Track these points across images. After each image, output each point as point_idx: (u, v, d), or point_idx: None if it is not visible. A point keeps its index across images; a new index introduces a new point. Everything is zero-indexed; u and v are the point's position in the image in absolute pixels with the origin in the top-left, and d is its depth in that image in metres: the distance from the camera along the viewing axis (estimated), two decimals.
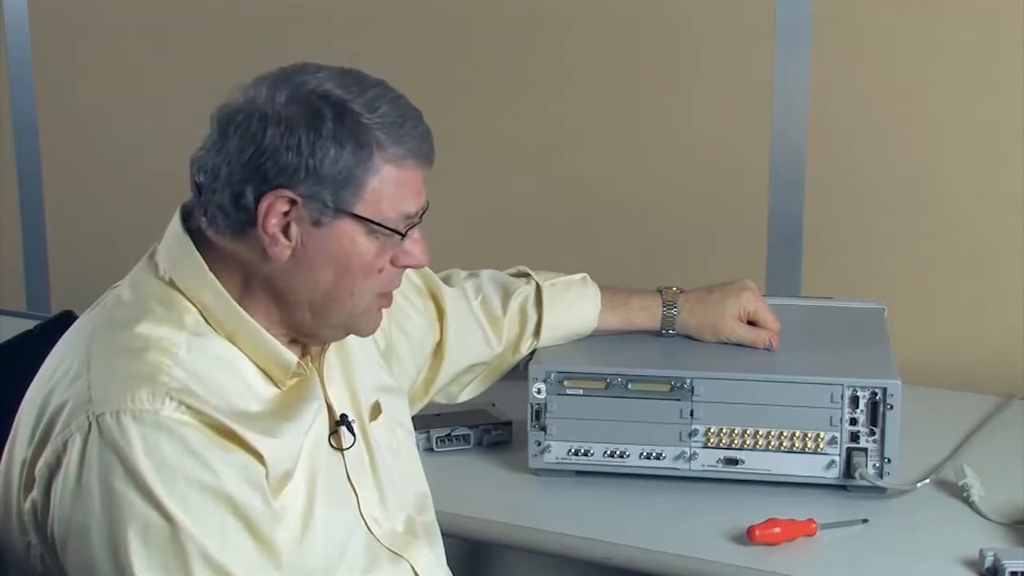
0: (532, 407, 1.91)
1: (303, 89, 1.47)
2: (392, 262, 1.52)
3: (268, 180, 1.45)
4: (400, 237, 1.50)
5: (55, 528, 1.41)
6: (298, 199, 1.46)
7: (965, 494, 1.86)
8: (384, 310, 1.58)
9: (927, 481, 1.89)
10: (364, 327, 1.57)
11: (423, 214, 1.54)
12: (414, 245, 1.53)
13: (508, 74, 2.64)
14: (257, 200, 1.45)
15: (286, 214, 1.46)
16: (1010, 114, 2.30)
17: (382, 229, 1.49)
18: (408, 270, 1.89)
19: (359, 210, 1.48)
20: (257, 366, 1.51)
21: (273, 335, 1.51)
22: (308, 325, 1.53)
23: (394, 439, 1.69)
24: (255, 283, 1.50)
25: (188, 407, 1.40)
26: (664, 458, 1.90)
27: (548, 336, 1.99)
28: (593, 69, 2.58)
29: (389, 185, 1.48)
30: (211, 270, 1.49)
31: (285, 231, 1.47)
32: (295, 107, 1.46)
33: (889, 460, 1.85)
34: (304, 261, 1.48)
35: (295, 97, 1.46)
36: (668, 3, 2.50)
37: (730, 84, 2.48)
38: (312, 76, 1.48)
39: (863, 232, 2.43)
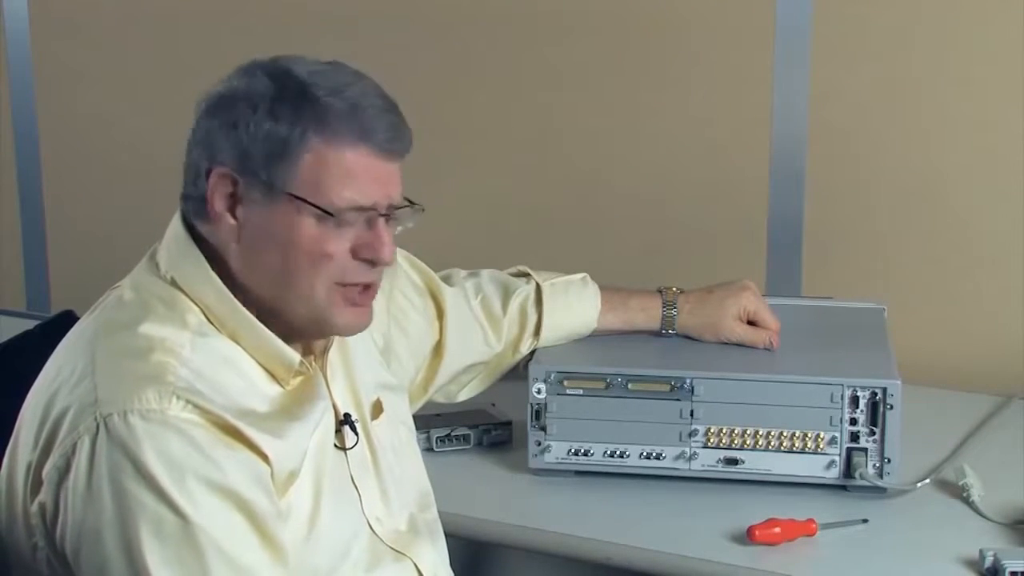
0: (532, 407, 1.91)
1: (269, 66, 1.48)
2: (353, 254, 1.49)
3: (215, 158, 1.47)
4: (332, 218, 1.46)
5: (67, 531, 1.41)
6: (238, 177, 1.46)
7: (965, 494, 1.86)
8: (370, 311, 1.54)
9: (927, 481, 1.89)
10: (335, 322, 1.52)
11: (393, 210, 1.50)
12: (376, 239, 1.49)
13: (508, 74, 2.64)
14: (207, 180, 1.47)
15: (232, 194, 1.47)
16: (1010, 114, 2.30)
17: (315, 210, 1.46)
18: (407, 269, 1.90)
19: (294, 189, 1.46)
20: (260, 365, 1.51)
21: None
22: (278, 318, 1.51)
23: (396, 437, 1.69)
24: (227, 274, 1.50)
25: (195, 406, 1.41)
26: (664, 458, 1.90)
27: (548, 336, 1.99)
28: (593, 69, 2.58)
29: (332, 168, 1.46)
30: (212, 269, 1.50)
31: (232, 211, 1.47)
32: (244, 83, 1.47)
33: (889, 460, 1.85)
34: (250, 243, 1.48)
35: (250, 73, 1.48)
36: (668, 3, 2.51)
37: (730, 84, 2.48)
38: (292, 60, 1.49)
39: (863, 232, 2.43)
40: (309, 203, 1.46)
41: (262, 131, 1.45)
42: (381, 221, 1.50)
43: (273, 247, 1.47)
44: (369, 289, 1.53)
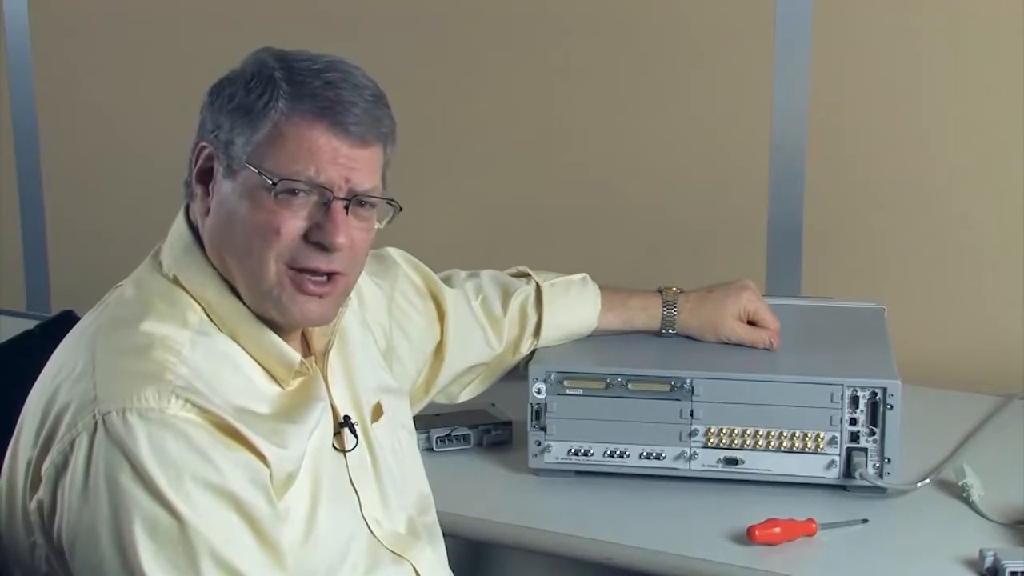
0: (532, 407, 1.91)
1: (261, 50, 1.52)
2: (306, 237, 1.47)
3: (200, 135, 1.51)
4: (274, 186, 1.45)
5: (63, 528, 1.41)
6: (213, 150, 1.49)
7: (965, 494, 1.86)
8: (329, 304, 1.51)
9: (927, 481, 1.89)
10: (291, 309, 1.49)
11: (353, 196, 1.48)
12: (328, 221, 1.47)
13: (508, 75, 2.64)
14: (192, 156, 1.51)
15: (210, 170, 1.49)
16: (1010, 114, 2.30)
17: (261, 178, 1.45)
18: (408, 271, 1.90)
19: (250, 159, 1.47)
20: (260, 365, 1.51)
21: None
22: (248, 301, 1.50)
23: (396, 440, 1.69)
24: (225, 273, 1.51)
25: (193, 405, 1.40)
26: (664, 458, 1.90)
27: (548, 336, 1.99)
28: (593, 69, 2.58)
29: (288, 140, 1.46)
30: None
31: (208, 186, 1.50)
32: (240, 67, 1.51)
33: (889, 460, 1.85)
34: (218, 216, 1.49)
35: (249, 58, 1.52)
36: (668, 3, 2.51)
37: (730, 84, 2.48)
38: (294, 50, 1.51)
39: (863, 232, 2.43)
40: (260, 171, 1.46)
41: (234, 103, 1.48)
42: (337, 205, 1.48)
43: (234, 219, 1.48)
44: (331, 280, 1.50)
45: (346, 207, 1.48)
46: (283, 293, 1.48)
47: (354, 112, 1.47)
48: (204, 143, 1.50)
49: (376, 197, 1.51)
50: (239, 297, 1.50)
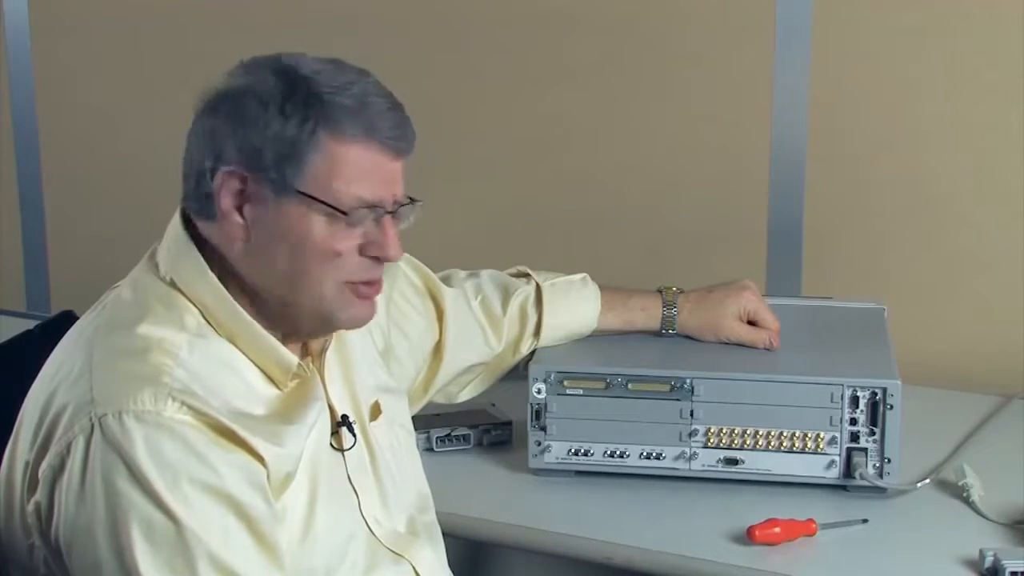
0: (532, 407, 1.91)
1: (274, 64, 1.47)
2: (360, 251, 1.49)
3: (222, 157, 1.46)
4: (344, 216, 1.46)
5: (60, 530, 1.41)
6: (247, 175, 1.45)
7: (965, 494, 1.85)
8: (374, 304, 1.54)
9: (927, 481, 1.89)
10: (342, 317, 1.52)
11: (398, 207, 1.51)
12: (383, 236, 1.49)
13: (508, 74, 2.64)
14: (213, 179, 1.46)
15: (241, 192, 1.46)
16: (1010, 114, 2.30)
17: (325, 207, 1.46)
18: (407, 271, 1.90)
19: (304, 187, 1.46)
20: (258, 367, 1.51)
21: (271, 335, 1.51)
22: (286, 317, 1.51)
23: (394, 439, 1.69)
24: (229, 275, 1.50)
25: (190, 408, 1.40)
26: (664, 458, 1.90)
27: (548, 336, 1.99)
28: (593, 69, 2.58)
29: (340, 165, 1.46)
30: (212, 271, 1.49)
31: (240, 210, 1.47)
32: (253, 80, 1.46)
33: (889, 460, 1.85)
34: (258, 242, 1.47)
35: (257, 70, 1.47)
36: (668, 3, 2.51)
37: (730, 84, 2.48)
38: (293, 57, 1.48)
39: (863, 232, 2.43)
40: (320, 201, 1.46)
41: (272, 130, 1.45)
42: (388, 218, 1.50)
43: (282, 246, 1.47)
44: (375, 284, 1.53)
45: (392, 216, 1.51)
46: (342, 306, 1.51)
47: (392, 127, 1.48)
48: (233, 170, 1.46)
49: (412, 202, 1.53)
50: (245, 299, 1.50)
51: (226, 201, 1.46)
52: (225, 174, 1.46)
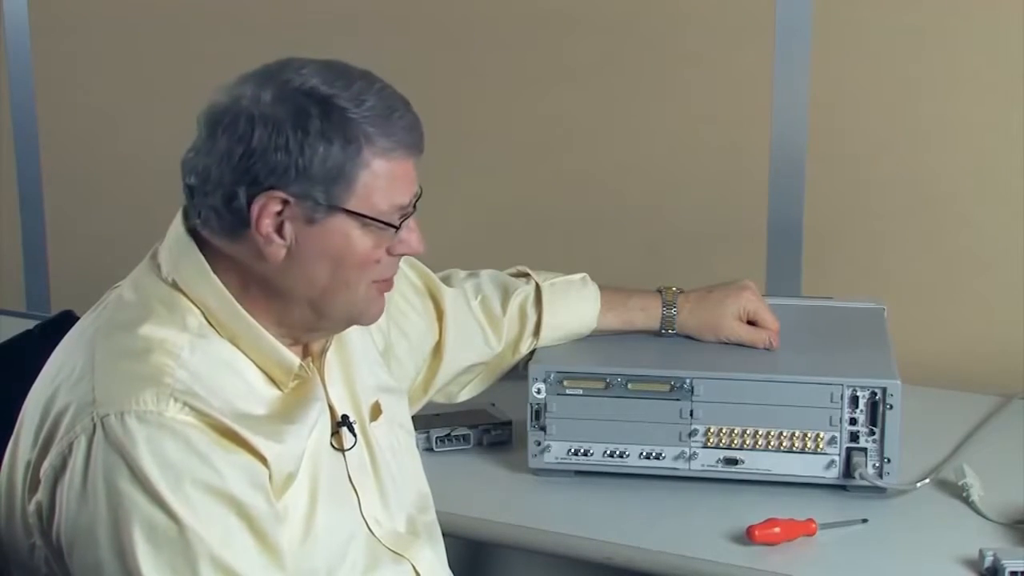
0: (532, 407, 1.91)
1: (288, 87, 1.46)
2: (388, 251, 1.52)
3: (259, 181, 1.45)
4: (395, 231, 1.50)
5: (62, 531, 1.41)
6: (290, 199, 1.45)
7: (965, 494, 1.86)
8: (385, 303, 1.58)
9: (927, 481, 1.89)
10: (367, 315, 1.56)
11: (416, 201, 1.53)
12: (409, 234, 1.53)
13: (508, 74, 2.64)
14: (249, 201, 1.45)
15: (279, 213, 1.46)
16: (1010, 114, 2.30)
17: (376, 223, 1.48)
18: (407, 271, 1.90)
19: (352, 205, 1.47)
20: (259, 368, 1.51)
21: (273, 336, 1.51)
22: (309, 321, 1.53)
23: (394, 439, 1.69)
24: (252, 283, 1.50)
25: (192, 408, 1.40)
26: (664, 458, 1.90)
27: (547, 336, 1.99)
28: (593, 69, 2.58)
29: (381, 178, 1.48)
30: (213, 271, 1.49)
31: (279, 230, 1.47)
32: (281, 106, 1.45)
33: (889, 460, 1.85)
34: (299, 259, 1.48)
35: (281, 96, 1.46)
36: (668, 3, 2.50)
37: (730, 84, 2.48)
38: (297, 73, 1.47)
39: (863, 232, 2.43)
40: (369, 218, 1.48)
41: (318, 154, 1.45)
42: (412, 218, 1.53)
43: (325, 261, 1.49)
44: (392, 279, 1.57)
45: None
46: (369, 304, 1.55)
47: (410, 130, 1.50)
48: (278, 195, 1.45)
49: (418, 198, 1.55)
50: (243, 302, 1.50)
51: (266, 223, 1.46)
52: (267, 198, 1.45)
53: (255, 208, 1.45)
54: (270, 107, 1.45)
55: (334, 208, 1.47)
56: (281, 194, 1.45)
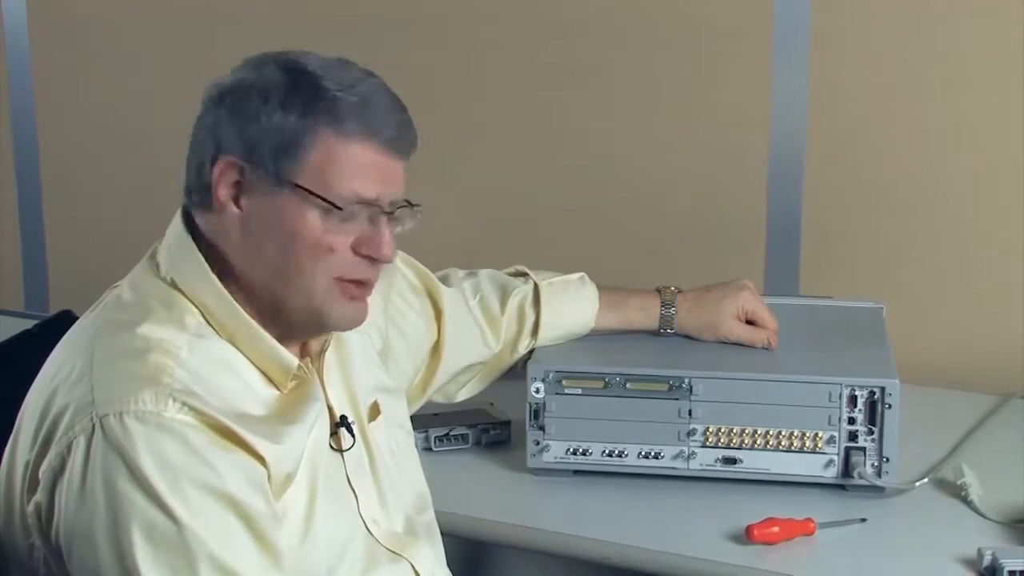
0: (531, 406, 1.91)
1: (277, 60, 1.49)
2: (354, 249, 1.50)
3: (222, 147, 1.47)
4: (339, 211, 1.47)
5: (60, 531, 1.41)
6: (244, 166, 1.46)
7: (964, 493, 1.86)
8: (366, 305, 1.54)
9: (926, 480, 1.89)
10: (333, 316, 1.52)
11: (396, 209, 1.51)
12: (377, 235, 1.50)
13: (507, 74, 2.64)
14: (212, 168, 1.48)
15: (238, 183, 1.47)
16: (1010, 114, 2.30)
17: (320, 201, 1.46)
18: (405, 270, 1.90)
19: (300, 180, 1.46)
20: (258, 368, 1.51)
21: (272, 336, 1.51)
22: (279, 314, 1.51)
23: (393, 439, 1.69)
24: (230, 275, 1.50)
25: (191, 408, 1.40)
26: (663, 457, 1.90)
27: (546, 335, 1.99)
28: (592, 69, 2.58)
29: (338, 160, 1.47)
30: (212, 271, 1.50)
31: (237, 201, 1.48)
32: (256, 75, 1.48)
33: (887, 459, 1.85)
34: (251, 233, 1.48)
35: (261, 66, 1.49)
36: (667, 3, 2.51)
37: (729, 84, 2.48)
38: (301, 54, 1.49)
39: (862, 232, 2.43)
40: (315, 195, 1.46)
41: (272, 122, 1.46)
42: (384, 218, 1.50)
43: (275, 238, 1.48)
44: (366, 285, 1.53)
45: (389, 218, 1.51)
46: (333, 304, 1.51)
47: (393, 127, 1.49)
48: (231, 159, 1.47)
49: (410, 205, 1.53)
50: (240, 298, 1.50)
51: (223, 191, 1.47)
52: (225, 164, 1.47)
53: (215, 173, 1.47)
54: (246, 74, 1.48)
55: (284, 181, 1.46)
56: (233, 159, 1.46)
